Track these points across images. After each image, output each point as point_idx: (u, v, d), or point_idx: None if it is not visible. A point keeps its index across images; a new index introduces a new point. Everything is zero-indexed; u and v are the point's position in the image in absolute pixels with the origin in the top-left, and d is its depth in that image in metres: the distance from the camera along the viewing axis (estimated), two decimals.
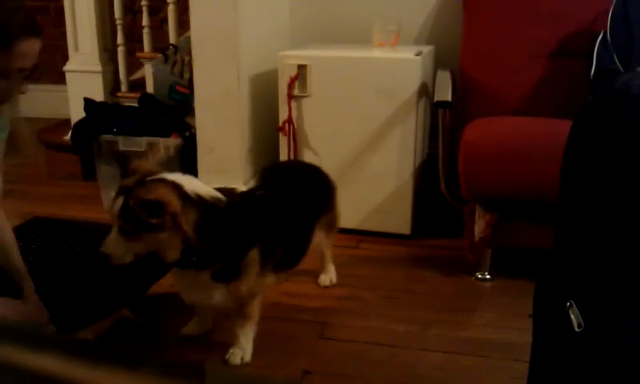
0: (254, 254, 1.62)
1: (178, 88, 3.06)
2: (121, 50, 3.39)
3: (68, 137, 3.14)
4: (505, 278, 2.18)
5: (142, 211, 1.45)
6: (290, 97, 2.49)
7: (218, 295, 1.63)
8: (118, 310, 1.87)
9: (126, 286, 1.85)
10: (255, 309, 1.72)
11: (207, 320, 1.86)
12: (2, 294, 1.56)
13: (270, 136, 2.71)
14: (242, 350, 1.71)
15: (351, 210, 2.13)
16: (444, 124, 2.38)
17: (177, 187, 1.50)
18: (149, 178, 1.52)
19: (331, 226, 2.09)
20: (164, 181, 1.51)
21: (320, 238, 2.02)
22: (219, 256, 1.58)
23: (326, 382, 1.65)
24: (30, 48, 1.37)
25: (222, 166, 2.61)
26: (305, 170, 2.10)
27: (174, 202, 1.46)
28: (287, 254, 1.79)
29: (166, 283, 2.00)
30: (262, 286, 1.72)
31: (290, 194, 1.89)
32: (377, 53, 2.56)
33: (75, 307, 1.69)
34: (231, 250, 1.59)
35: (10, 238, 1.61)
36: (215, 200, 1.56)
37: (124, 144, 2.83)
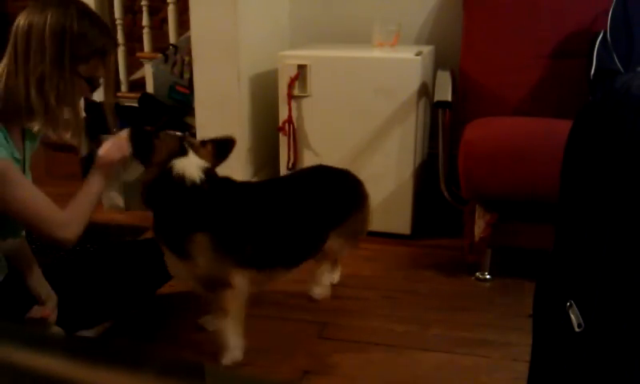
0: (201, 239, 1.63)
1: (178, 88, 3.06)
2: (121, 50, 3.39)
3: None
4: (505, 278, 2.18)
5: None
6: (290, 97, 2.49)
7: (181, 270, 1.69)
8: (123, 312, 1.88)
9: (128, 288, 1.85)
10: (231, 305, 1.69)
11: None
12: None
13: (270, 136, 2.71)
14: (231, 351, 1.70)
15: None
16: (444, 124, 2.38)
17: (173, 147, 1.65)
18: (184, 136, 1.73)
19: (352, 238, 2.05)
20: (178, 137, 1.70)
21: (336, 246, 1.98)
22: (163, 229, 1.68)
23: (326, 382, 1.65)
24: (111, 61, 1.58)
25: (222, 166, 2.60)
26: (334, 177, 2.02)
27: (157, 146, 1.64)
28: (266, 252, 1.75)
29: (166, 283, 2.01)
30: (232, 279, 1.68)
31: (295, 196, 1.87)
32: (377, 53, 2.56)
33: (76, 307, 1.69)
34: (175, 225, 1.66)
35: (33, 267, 1.66)
36: (182, 179, 1.63)
37: None
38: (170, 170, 1.63)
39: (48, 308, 1.62)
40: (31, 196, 1.47)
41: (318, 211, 1.89)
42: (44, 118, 1.47)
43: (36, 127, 1.51)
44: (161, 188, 1.64)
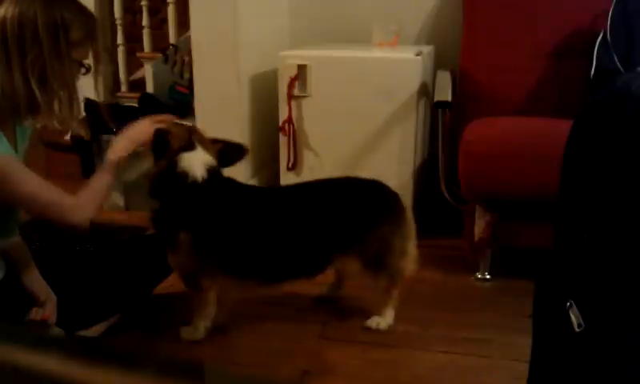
0: (184, 237, 1.70)
1: (178, 88, 3.06)
2: (121, 50, 3.39)
3: (68, 137, 3.14)
4: (505, 278, 2.18)
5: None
6: (290, 97, 2.49)
7: (170, 261, 1.77)
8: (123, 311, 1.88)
9: (128, 287, 1.85)
10: (199, 301, 1.80)
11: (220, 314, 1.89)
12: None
13: (270, 136, 2.71)
14: (190, 330, 1.82)
15: None
16: (444, 124, 2.38)
17: (184, 142, 1.70)
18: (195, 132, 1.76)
19: (379, 265, 1.81)
20: (188, 130, 1.74)
21: (350, 272, 1.87)
22: (158, 220, 1.74)
23: (326, 381, 1.65)
24: (99, 41, 1.60)
25: None
26: (352, 190, 1.86)
27: (171, 138, 1.69)
28: (238, 261, 1.75)
29: (166, 283, 2.01)
30: (203, 283, 1.77)
31: (293, 208, 1.81)
32: (377, 53, 2.56)
33: (75, 308, 1.69)
34: (167, 218, 1.72)
35: (30, 265, 1.66)
36: (186, 175, 1.67)
37: None
38: (176, 163, 1.68)
39: (48, 309, 1.62)
40: (39, 185, 1.48)
41: (315, 227, 1.78)
42: (49, 111, 1.48)
43: (39, 123, 1.51)
44: (165, 180, 1.70)
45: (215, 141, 1.77)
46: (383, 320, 1.89)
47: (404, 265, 1.85)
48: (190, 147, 1.69)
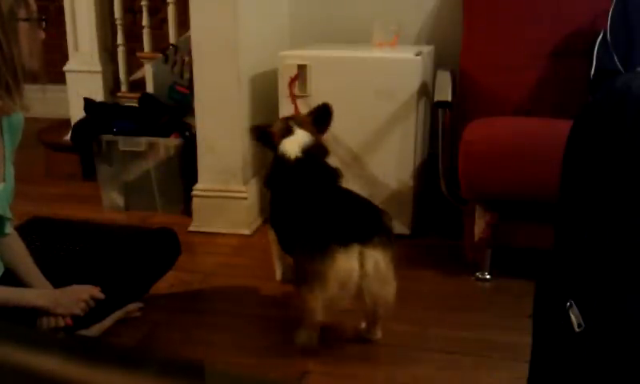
0: (267, 191, 2.06)
1: (178, 88, 3.06)
2: (121, 50, 3.39)
3: (68, 137, 3.15)
4: (505, 278, 2.18)
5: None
6: (293, 96, 2.49)
7: None
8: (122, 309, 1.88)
9: (127, 286, 1.85)
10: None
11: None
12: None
13: None
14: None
15: None
16: (444, 124, 2.38)
17: (287, 129, 2.00)
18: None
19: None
20: (285, 119, 2.09)
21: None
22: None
23: (326, 381, 1.65)
24: None
25: (222, 166, 2.61)
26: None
27: (273, 133, 2.02)
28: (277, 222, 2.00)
29: (165, 283, 2.01)
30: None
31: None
32: (377, 53, 2.56)
33: None
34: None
35: (27, 262, 1.65)
36: (287, 155, 1.95)
37: (124, 144, 2.83)
38: (278, 149, 1.96)
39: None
40: None
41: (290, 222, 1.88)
42: (16, 85, 1.41)
43: (14, 104, 1.43)
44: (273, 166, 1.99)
45: (310, 113, 2.09)
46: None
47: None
48: (288, 133, 1.96)
